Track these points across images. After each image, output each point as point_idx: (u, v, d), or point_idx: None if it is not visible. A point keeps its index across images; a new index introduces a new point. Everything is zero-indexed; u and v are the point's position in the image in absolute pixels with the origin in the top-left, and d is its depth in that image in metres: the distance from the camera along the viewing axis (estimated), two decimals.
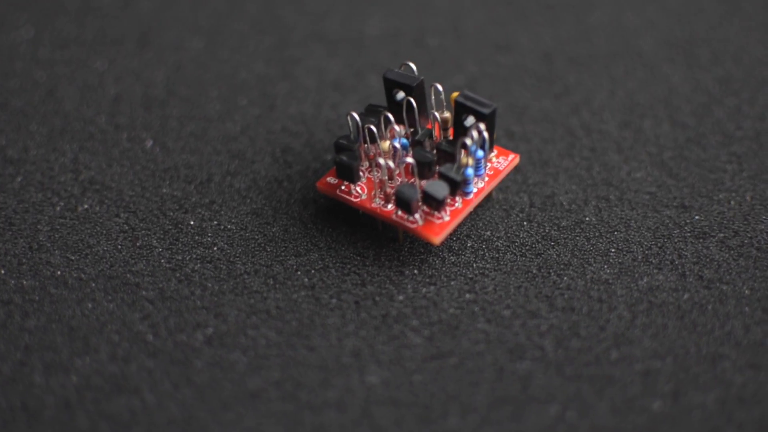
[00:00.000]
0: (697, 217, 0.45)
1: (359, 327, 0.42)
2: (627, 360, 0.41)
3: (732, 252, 0.44)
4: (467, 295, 0.43)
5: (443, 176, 0.43)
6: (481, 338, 0.42)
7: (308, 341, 0.42)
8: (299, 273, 0.44)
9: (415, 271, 0.44)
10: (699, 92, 0.50)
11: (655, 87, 0.50)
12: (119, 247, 0.44)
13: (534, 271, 0.44)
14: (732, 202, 0.46)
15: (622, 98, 0.49)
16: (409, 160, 0.43)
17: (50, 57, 0.52)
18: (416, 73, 0.45)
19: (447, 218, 0.43)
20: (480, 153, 0.43)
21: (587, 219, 0.45)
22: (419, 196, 0.42)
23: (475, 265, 0.44)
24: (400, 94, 0.45)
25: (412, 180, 0.43)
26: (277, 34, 0.53)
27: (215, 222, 0.45)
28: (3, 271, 0.44)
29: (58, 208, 0.46)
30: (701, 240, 0.45)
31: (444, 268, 0.44)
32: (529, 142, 0.48)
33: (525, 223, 0.45)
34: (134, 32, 0.53)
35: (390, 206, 0.43)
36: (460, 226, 0.45)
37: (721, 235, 0.45)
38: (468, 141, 0.42)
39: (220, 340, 0.42)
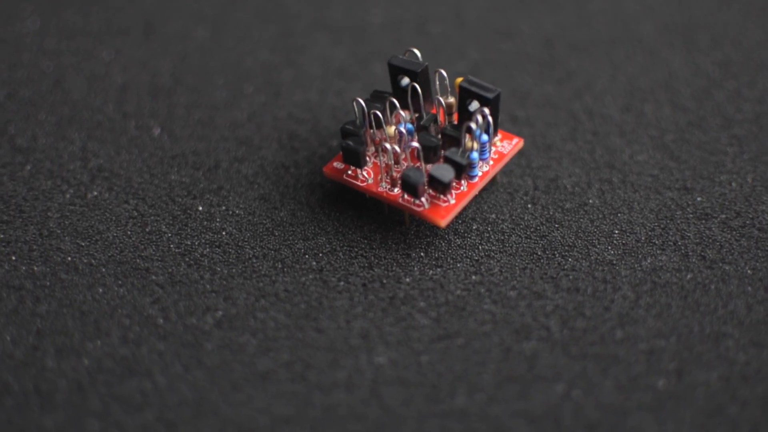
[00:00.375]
0: (699, 199, 0.46)
1: (367, 309, 0.43)
2: (631, 339, 0.42)
3: (734, 233, 0.45)
4: (473, 277, 0.44)
5: (448, 160, 0.43)
6: (487, 319, 0.42)
7: (317, 323, 0.42)
8: (307, 256, 0.44)
9: (422, 254, 0.44)
10: (699, 76, 0.50)
11: (656, 71, 0.50)
12: (129, 233, 0.45)
13: (539, 253, 0.44)
14: (733, 184, 0.46)
15: (623, 83, 0.50)
16: (415, 144, 0.43)
17: (57, 47, 0.52)
18: (420, 59, 0.45)
19: (453, 201, 0.44)
20: (484, 137, 0.44)
21: (591, 201, 0.46)
22: (425, 179, 0.43)
23: (480, 247, 0.44)
24: (405, 80, 0.45)
25: (418, 164, 0.44)
26: (282, 23, 0.53)
27: (223, 207, 0.46)
28: (14, 258, 0.44)
29: (67, 196, 0.46)
30: (703, 221, 0.45)
31: (450, 251, 0.44)
32: (532, 126, 0.48)
33: (529, 205, 0.46)
34: (139, 22, 0.53)
35: (396, 190, 0.44)
36: (465, 209, 0.46)
37: (723, 216, 0.45)
38: (473, 125, 0.43)
39: (230, 323, 0.42)
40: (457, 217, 0.45)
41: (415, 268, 0.44)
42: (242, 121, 0.49)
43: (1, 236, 0.45)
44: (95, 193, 0.46)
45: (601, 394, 0.40)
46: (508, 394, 0.40)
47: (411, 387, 0.41)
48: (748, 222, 0.45)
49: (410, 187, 0.43)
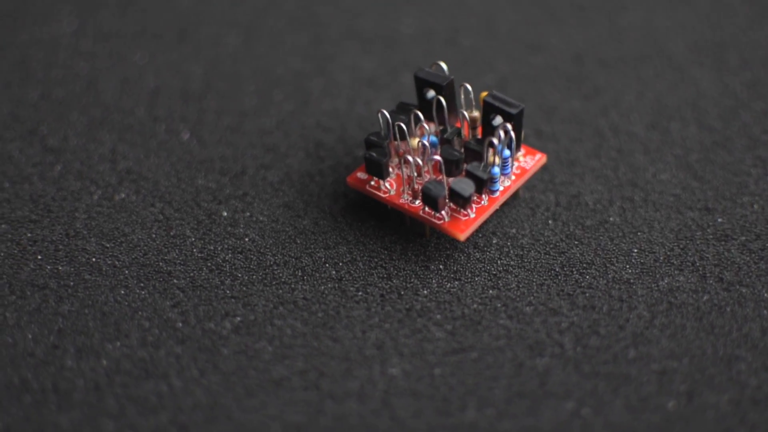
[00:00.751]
0: (720, 220, 0.46)
1: (383, 320, 0.43)
2: (644, 359, 0.42)
3: (753, 255, 0.45)
4: (490, 291, 0.44)
5: (470, 174, 0.43)
6: (502, 334, 0.43)
7: (333, 332, 0.43)
8: (327, 265, 0.45)
9: (441, 266, 0.45)
10: (727, 96, 0.50)
11: (684, 90, 0.50)
12: (153, 236, 0.46)
13: (557, 269, 0.45)
14: (755, 206, 0.46)
15: (650, 100, 0.50)
16: (437, 157, 0.44)
17: (92, 50, 0.53)
18: (447, 72, 0.46)
19: (473, 215, 0.44)
20: (507, 152, 0.44)
21: (611, 219, 0.46)
22: (446, 193, 0.43)
23: (499, 261, 0.45)
24: (431, 93, 0.45)
25: (440, 177, 0.44)
26: (313, 31, 0.54)
27: (248, 213, 0.46)
28: (40, 257, 0.45)
29: (95, 197, 0.47)
30: (723, 242, 0.45)
31: (469, 264, 0.45)
32: (557, 141, 0.49)
33: (550, 221, 0.46)
34: (174, 27, 0.54)
35: (418, 202, 0.44)
36: (486, 223, 0.46)
37: (743, 238, 0.45)
38: (495, 140, 0.43)
39: (248, 329, 0.43)
40: (477, 231, 0.46)
41: (433, 281, 0.44)
42: (270, 129, 0.49)
43: (29, 235, 0.46)
44: (123, 196, 0.47)
45: (611, 413, 0.41)
46: (518, 410, 0.41)
47: (422, 399, 0.41)
48: (767, 245, 0.45)
49: (430, 200, 0.43)
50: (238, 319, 0.43)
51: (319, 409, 0.41)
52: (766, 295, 0.43)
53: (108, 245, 0.45)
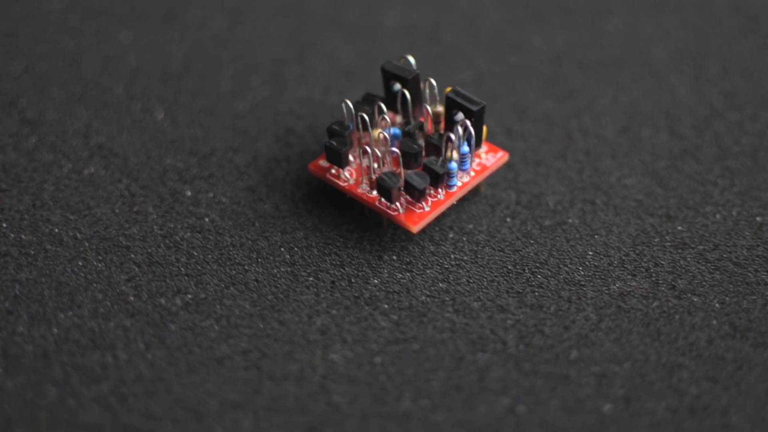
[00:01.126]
0: (679, 228, 0.46)
1: (331, 306, 0.44)
2: (585, 361, 0.42)
3: (709, 265, 0.45)
4: (440, 285, 0.44)
5: (426, 168, 0.44)
6: (446, 327, 0.43)
7: (280, 315, 0.43)
8: (282, 249, 0.45)
9: (394, 257, 0.45)
10: (703, 105, 0.50)
11: (660, 97, 0.50)
12: (116, 211, 0.46)
13: (509, 267, 0.45)
14: (718, 216, 0.46)
15: (624, 105, 0.50)
16: (395, 150, 0.44)
17: (79, 26, 0.54)
18: (414, 66, 0.46)
19: (427, 209, 0.44)
20: (465, 148, 0.44)
21: (570, 221, 0.46)
22: (400, 184, 0.44)
23: (453, 256, 0.45)
24: (397, 86, 0.46)
25: (399, 170, 0.45)
26: (298, 19, 0.55)
27: (211, 194, 0.47)
28: (5, 225, 0.46)
29: (65, 170, 0.48)
30: (680, 250, 0.45)
31: (422, 257, 0.45)
32: (525, 140, 0.49)
33: (508, 219, 0.46)
34: (162, 8, 0.55)
35: (375, 193, 0.45)
36: (443, 217, 0.46)
37: (701, 247, 0.45)
38: (452, 136, 0.44)
39: (197, 307, 0.43)
40: (434, 225, 0.46)
41: (385, 271, 0.45)
42: (243, 113, 0.50)
43: None
44: (92, 170, 0.48)
45: (546, 412, 0.41)
46: (453, 403, 0.41)
47: (360, 386, 0.41)
48: (725, 255, 0.45)
49: (385, 191, 0.44)
50: (189, 296, 0.44)
51: (256, 389, 0.41)
52: (717, 305, 0.43)
53: (72, 217, 0.46)
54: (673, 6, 0.54)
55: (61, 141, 0.49)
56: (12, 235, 0.46)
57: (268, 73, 0.52)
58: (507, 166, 0.48)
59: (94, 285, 0.44)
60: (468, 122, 0.44)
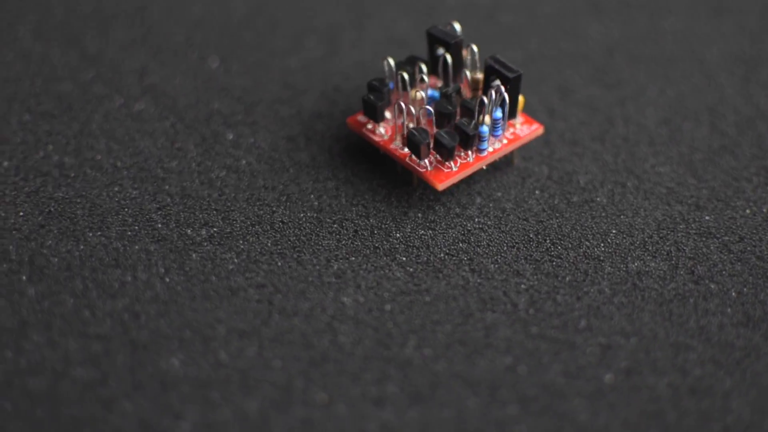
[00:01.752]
0: (707, 218, 0.46)
1: (350, 253, 0.44)
2: (593, 331, 0.42)
3: (731, 255, 0.44)
4: (461, 245, 0.45)
5: (457, 128, 0.45)
6: (460, 284, 0.43)
7: (299, 255, 0.44)
8: (312, 196, 0.46)
9: (419, 215, 0.46)
10: (749, 106, 0.50)
11: (707, 94, 0.50)
12: (159, 145, 0.48)
13: (531, 236, 0.45)
14: (748, 211, 0.46)
15: (669, 99, 0.50)
16: (429, 108, 0.45)
17: None
18: (460, 33, 0.47)
19: (455, 169, 0.45)
20: (498, 114, 0.45)
21: (598, 199, 0.46)
22: (429, 140, 0.44)
23: (477, 219, 0.46)
24: (440, 50, 0.47)
25: (432, 129, 0.45)
26: None
27: (251, 140, 0.48)
28: (51, 147, 0.48)
29: (116, 104, 0.49)
30: (704, 239, 0.45)
31: (447, 217, 0.46)
32: (566, 121, 0.49)
33: (537, 191, 0.47)
34: None
35: (406, 149, 0.46)
36: (473, 182, 0.47)
37: (726, 238, 0.45)
38: (485, 99, 0.44)
39: (221, 240, 0.45)
40: (463, 189, 0.46)
41: (408, 226, 0.45)
42: (296, 69, 0.51)
43: (47, 128, 0.48)
44: (142, 107, 0.49)
45: (546, 374, 0.41)
46: (455, 356, 0.41)
47: (366, 329, 0.42)
48: (749, 248, 0.45)
49: (414, 146, 0.44)
50: (215, 229, 0.45)
51: (265, 321, 0.42)
52: (733, 294, 0.43)
53: (115, 147, 0.48)
54: (733, 9, 0.54)
55: (117, 78, 0.51)
56: (56, 157, 0.47)
57: (324, 36, 0.53)
58: (543, 143, 0.48)
59: (126, 210, 0.45)
60: (503, 88, 0.45)
